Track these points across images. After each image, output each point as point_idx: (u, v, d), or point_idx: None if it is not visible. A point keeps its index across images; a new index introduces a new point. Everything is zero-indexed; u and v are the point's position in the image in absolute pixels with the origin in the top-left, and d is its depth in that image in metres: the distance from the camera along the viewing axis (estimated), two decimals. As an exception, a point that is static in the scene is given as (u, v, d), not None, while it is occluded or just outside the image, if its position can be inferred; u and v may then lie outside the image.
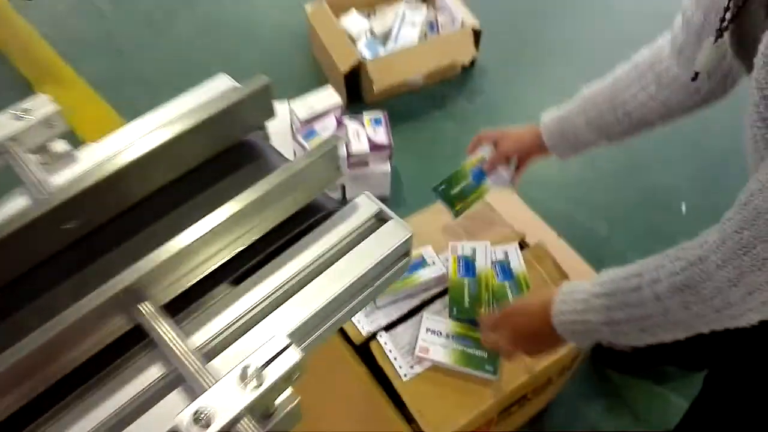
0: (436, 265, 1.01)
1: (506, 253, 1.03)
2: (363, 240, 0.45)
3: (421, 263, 1.02)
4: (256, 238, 0.45)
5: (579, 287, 0.69)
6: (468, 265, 0.99)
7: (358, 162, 1.54)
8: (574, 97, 0.93)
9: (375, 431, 0.91)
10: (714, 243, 0.56)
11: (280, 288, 0.43)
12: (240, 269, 0.44)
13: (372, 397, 0.92)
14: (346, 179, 1.57)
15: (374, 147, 1.54)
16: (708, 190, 1.69)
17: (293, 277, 0.44)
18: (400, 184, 1.72)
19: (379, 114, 1.60)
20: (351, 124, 1.55)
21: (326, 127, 1.45)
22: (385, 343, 0.94)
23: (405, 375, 0.91)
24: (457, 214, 1.06)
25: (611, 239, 1.58)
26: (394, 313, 0.98)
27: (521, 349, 0.78)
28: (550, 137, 0.95)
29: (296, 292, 0.43)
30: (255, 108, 0.50)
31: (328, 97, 1.50)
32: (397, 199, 1.67)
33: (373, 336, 0.95)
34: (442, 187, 1.08)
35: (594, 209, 1.66)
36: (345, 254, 0.44)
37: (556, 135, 0.94)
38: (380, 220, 0.47)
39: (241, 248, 0.44)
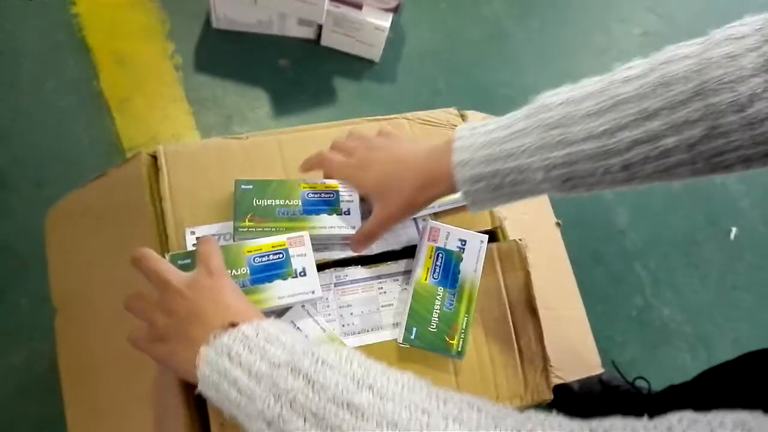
0: (352, 216, 0.62)
1: (464, 243, 0.64)
2: None
3: (332, 203, 0.63)
4: None
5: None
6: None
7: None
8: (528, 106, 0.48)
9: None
10: None
11: None
12: None
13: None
14: (323, 16, 1.10)
15: (378, -14, 1.05)
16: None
17: None
18: (398, 50, 1.25)
19: (405, -60, 1.08)
20: (358, -61, 1.04)
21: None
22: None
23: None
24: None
25: (626, 235, 1.18)
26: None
27: None
28: (471, 181, 0.49)
29: None
30: None
31: None
32: (386, 71, 1.22)
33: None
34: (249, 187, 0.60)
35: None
36: None
37: (483, 174, 0.48)
38: None
39: None
